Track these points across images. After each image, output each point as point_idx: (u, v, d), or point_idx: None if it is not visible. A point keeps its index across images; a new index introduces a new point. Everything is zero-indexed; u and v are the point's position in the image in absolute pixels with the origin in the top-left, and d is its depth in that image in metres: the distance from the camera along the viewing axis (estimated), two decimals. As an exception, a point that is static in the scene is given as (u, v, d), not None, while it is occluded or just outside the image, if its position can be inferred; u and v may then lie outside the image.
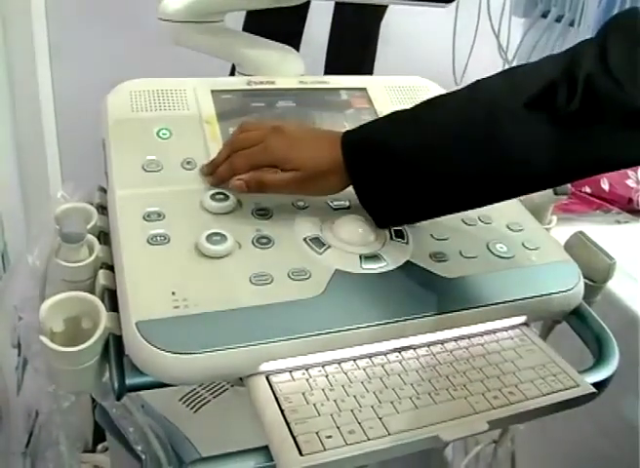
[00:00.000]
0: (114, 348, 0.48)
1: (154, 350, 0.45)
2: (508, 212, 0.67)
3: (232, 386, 0.70)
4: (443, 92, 0.78)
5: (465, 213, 0.66)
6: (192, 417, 0.69)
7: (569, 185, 0.70)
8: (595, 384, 0.54)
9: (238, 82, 0.71)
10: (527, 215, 0.68)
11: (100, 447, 1.01)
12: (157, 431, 0.66)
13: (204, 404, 0.70)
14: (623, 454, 0.75)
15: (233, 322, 0.48)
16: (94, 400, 0.77)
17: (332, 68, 1.38)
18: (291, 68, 0.75)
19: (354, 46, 1.35)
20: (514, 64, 1.57)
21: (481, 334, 0.56)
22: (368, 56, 1.35)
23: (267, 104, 0.69)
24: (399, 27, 1.66)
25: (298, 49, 1.20)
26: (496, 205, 0.67)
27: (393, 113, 0.55)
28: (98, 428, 0.77)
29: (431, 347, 0.54)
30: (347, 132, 0.56)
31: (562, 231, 0.69)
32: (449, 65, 1.51)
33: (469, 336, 0.56)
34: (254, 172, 0.57)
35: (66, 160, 1.33)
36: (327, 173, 0.55)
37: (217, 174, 0.59)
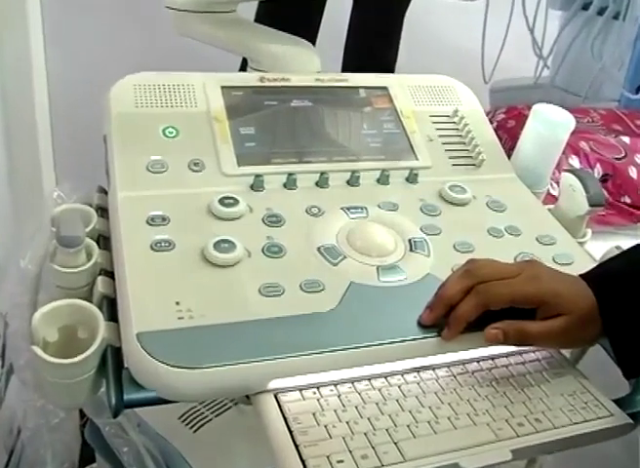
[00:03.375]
0: (112, 361, 0.50)
1: (156, 363, 0.46)
2: (539, 223, 0.68)
3: (236, 404, 0.71)
4: (469, 92, 0.80)
5: (493, 223, 0.67)
6: (192, 437, 0.70)
7: (605, 195, 0.71)
8: (632, 414, 0.54)
9: (250, 78, 0.72)
10: (559, 228, 0.69)
11: (87, 469, 1.02)
12: (153, 452, 0.67)
13: (205, 423, 0.71)
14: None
15: (241, 335, 0.49)
16: (83, 416, 0.79)
17: (350, 65, 1.39)
18: (307, 65, 0.77)
19: (375, 41, 1.36)
20: (550, 62, 1.58)
21: (506, 355, 0.57)
22: (390, 52, 1.36)
23: (281, 103, 0.71)
24: (424, 21, 1.67)
25: (314, 43, 1.22)
26: (525, 215, 0.69)
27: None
28: (85, 448, 0.78)
29: (452, 368, 0.55)
30: (594, 270, 0.56)
31: (597, 246, 0.70)
32: (477, 63, 1.51)
33: (493, 357, 0.57)
34: (510, 321, 0.53)
35: (60, 156, 1.35)
36: (592, 318, 0.53)
37: (455, 313, 0.53)
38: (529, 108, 0.80)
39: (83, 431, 0.79)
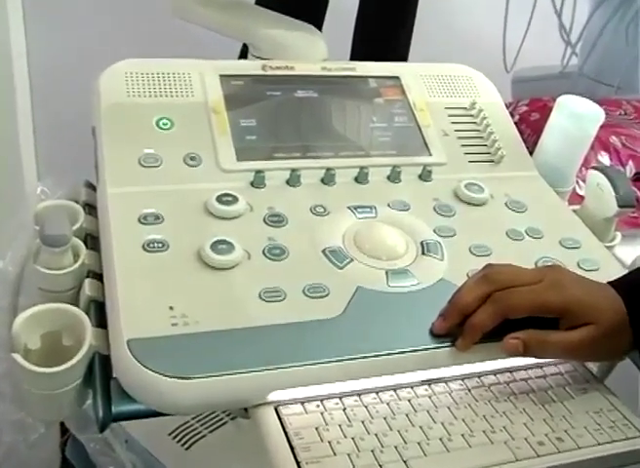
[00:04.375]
0: (100, 370, 0.51)
1: (148, 373, 0.47)
2: (562, 225, 0.69)
3: (233, 419, 0.72)
4: (488, 83, 0.81)
5: (512, 224, 0.68)
6: (184, 455, 0.71)
7: (636, 195, 0.72)
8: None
9: (251, 66, 0.73)
10: (584, 231, 0.70)
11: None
12: (142, 470, 0.68)
13: (198, 439, 0.72)
14: None
15: (239, 343, 0.50)
16: (64, 432, 0.80)
17: (359, 53, 1.39)
18: (312, 52, 0.78)
19: (387, 26, 1.36)
20: (578, 49, 1.58)
21: (525, 368, 0.58)
22: (402, 38, 1.36)
23: (284, 93, 0.72)
24: (439, 5, 1.67)
25: (320, 28, 1.22)
26: (548, 217, 0.70)
27: None
28: (66, 466, 0.79)
29: (466, 381, 0.56)
30: (624, 277, 0.57)
31: (627, 251, 0.70)
32: (498, 50, 1.51)
33: (512, 370, 0.58)
34: (531, 330, 0.54)
35: (43, 148, 1.36)
36: (622, 329, 0.53)
37: (470, 322, 0.53)
38: (554, 100, 0.81)
39: (64, 448, 0.80)
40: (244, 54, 0.91)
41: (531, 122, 1.09)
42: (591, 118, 0.78)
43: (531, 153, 0.80)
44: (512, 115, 1.07)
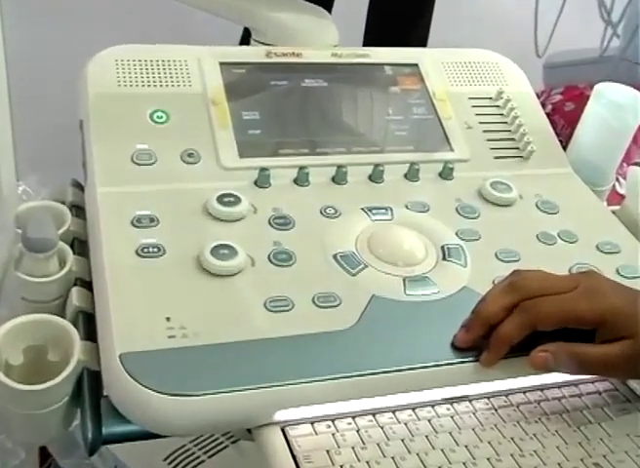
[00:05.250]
0: (89, 387, 0.52)
1: (142, 390, 0.48)
2: (599, 227, 0.70)
3: (234, 442, 0.73)
4: (517, 69, 0.82)
5: (543, 227, 0.69)
6: (179, 483, 0.72)
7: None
8: None
9: (254, 53, 0.75)
10: (625, 234, 0.70)
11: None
12: (133, 500, 0.68)
13: (195, 465, 0.73)
14: None
15: (243, 357, 0.51)
16: (44, 458, 0.81)
17: (373, 37, 1.40)
18: (322, 36, 0.79)
19: (403, 7, 1.37)
20: (620, 30, 1.58)
21: (559, 386, 0.59)
22: (421, 21, 1.37)
23: (291, 82, 0.73)
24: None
25: (330, 10, 1.23)
26: (583, 218, 0.70)
27: None
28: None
29: (492, 399, 0.56)
30: None
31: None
32: (529, 33, 1.51)
33: (543, 388, 0.58)
34: (562, 343, 0.54)
35: (23, 142, 1.36)
36: None
37: (497, 334, 0.54)
38: (591, 87, 0.81)
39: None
40: (245, 39, 0.92)
41: (565, 112, 1.10)
42: (633, 108, 0.78)
43: (564, 147, 0.81)
44: (544, 105, 1.08)
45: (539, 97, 0.94)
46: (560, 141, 0.80)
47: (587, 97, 0.81)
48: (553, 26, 1.48)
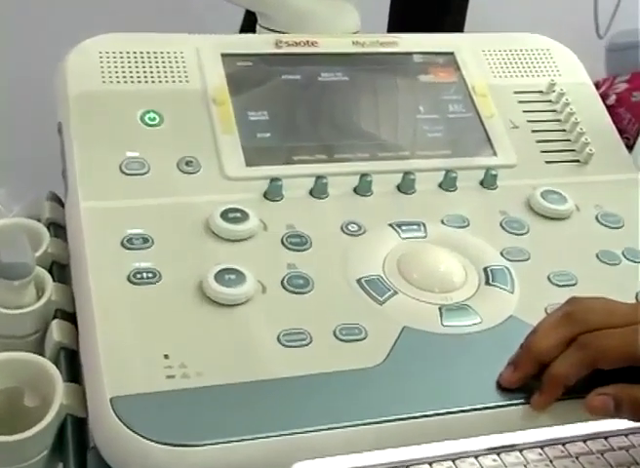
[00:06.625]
0: (73, 437, 0.53)
1: (137, 440, 0.49)
2: (672, 245, 0.69)
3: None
4: (573, 57, 0.83)
5: (605, 245, 0.69)
6: None
7: None
8: None
9: (262, 42, 0.76)
10: (703, 253, 0.70)
11: None
12: None
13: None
14: None
15: (253, 401, 0.52)
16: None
17: (400, 22, 1.41)
18: (340, 22, 0.80)
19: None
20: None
21: (625, 434, 0.59)
22: (456, 0, 1.37)
23: (305, 77, 0.74)
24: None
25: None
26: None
27: None
28: None
29: (546, 449, 0.57)
30: None
31: None
32: (588, 11, 1.50)
33: (606, 436, 0.59)
34: (624, 384, 0.54)
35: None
36: None
37: (550, 373, 0.55)
38: (664, 74, 0.82)
39: None
40: (249, 25, 0.92)
41: (632, 104, 1.08)
42: None
43: (630, 148, 0.81)
44: (607, 95, 1.07)
45: (600, 85, 0.94)
46: (626, 140, 0.80)
47: (659, 86, 0.81)
48: (617, 3, 1.47)
